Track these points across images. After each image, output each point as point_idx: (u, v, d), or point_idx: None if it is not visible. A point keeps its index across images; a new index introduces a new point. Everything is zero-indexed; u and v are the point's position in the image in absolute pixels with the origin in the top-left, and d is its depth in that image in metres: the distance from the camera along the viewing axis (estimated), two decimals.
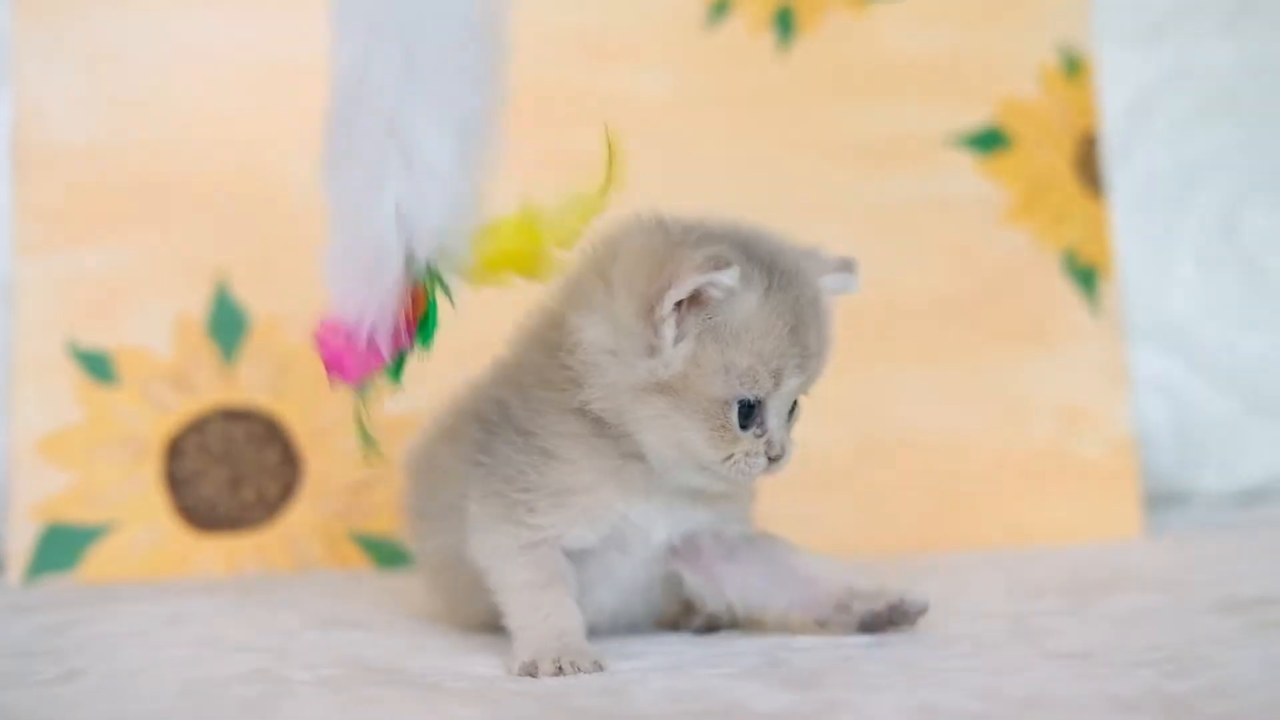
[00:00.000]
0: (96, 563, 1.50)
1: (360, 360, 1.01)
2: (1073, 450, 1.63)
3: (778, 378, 1.02)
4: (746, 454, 1.03)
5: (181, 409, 1.53)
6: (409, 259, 0.99)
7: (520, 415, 1.09)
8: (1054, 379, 1.63)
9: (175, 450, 1.53)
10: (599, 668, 1.00)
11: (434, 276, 1.01)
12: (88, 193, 1.55)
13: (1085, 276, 1.65)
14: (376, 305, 0.99)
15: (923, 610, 1.09)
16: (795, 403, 1.07)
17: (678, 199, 1.59)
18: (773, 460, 1.04)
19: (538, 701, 0.92)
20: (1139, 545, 1.57)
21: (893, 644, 1.07)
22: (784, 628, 1.11)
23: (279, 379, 1.54)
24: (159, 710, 0.93)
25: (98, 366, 1.52)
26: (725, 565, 1.11)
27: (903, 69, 1.66)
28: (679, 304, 1.00)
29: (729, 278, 0.99)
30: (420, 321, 1.02)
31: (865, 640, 1.08)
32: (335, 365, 1.01)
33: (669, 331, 1.00)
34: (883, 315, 1.62)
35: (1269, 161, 1.83)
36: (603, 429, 1.06)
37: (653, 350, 1.01)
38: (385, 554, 1.53)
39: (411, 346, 1.03)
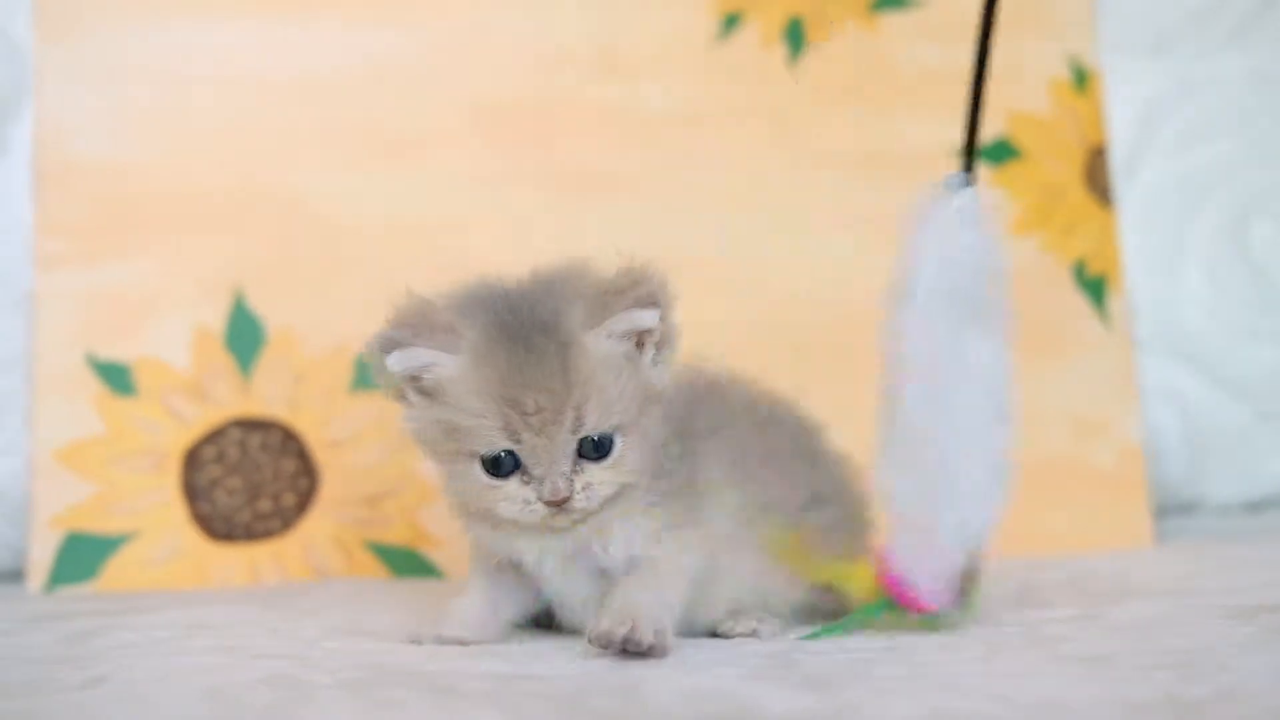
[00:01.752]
0: (116, 572, 1.51)
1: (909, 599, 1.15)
2: (1083, 459, 1.63)
3: (511, 434, 1.05)
4: (517, 500, 1.07)
5: (200, 420, 1.54)
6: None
7: None
8: (1064, 389, 1.64)
9: (194, 461, 1.53)
10: (462, 643, 1.13)
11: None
12: (108, 207, 1.55)
13: (1094, 287, 1.66)
14: (934, 583, 1.15)
15: (644, 653, 1.06)
16: (609, 442, 1.07)
17: (689, 211, 1.61)
18: (555, 504, 1.06)
19: (553, 702, 0.93)
20: (1149, 553, 1.58)
21: (906, 648, 1.08)
22: None
23: (295, 390, 1.55)
24: (181, 715, 0.93)
25: (117, 378, 1.53)
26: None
27: (912, 81, 1.67)
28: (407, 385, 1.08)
29: (395, 362, 1.07)
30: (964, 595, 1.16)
31: (879, 644, 1.09)
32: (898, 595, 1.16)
33: (412, 396, 1.09)
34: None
35: (1276, 172, 1.84)
36: None
37: (407, 416, 1.10)
38: (402, 563, 1.53)
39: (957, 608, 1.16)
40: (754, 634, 1.16)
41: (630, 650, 1.04)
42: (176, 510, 1.53)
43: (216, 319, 1.55)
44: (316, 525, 1.54)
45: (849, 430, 1.54)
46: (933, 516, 1.13)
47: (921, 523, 1.13)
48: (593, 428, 1.06)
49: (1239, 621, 1.13)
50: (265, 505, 1.54)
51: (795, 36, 1.66)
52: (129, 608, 1.36)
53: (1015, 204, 1.66)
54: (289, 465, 1.55)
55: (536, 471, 1.06)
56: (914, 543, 1.14)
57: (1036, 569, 1.46)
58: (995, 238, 1.15)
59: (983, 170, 1.66)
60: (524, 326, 1.06)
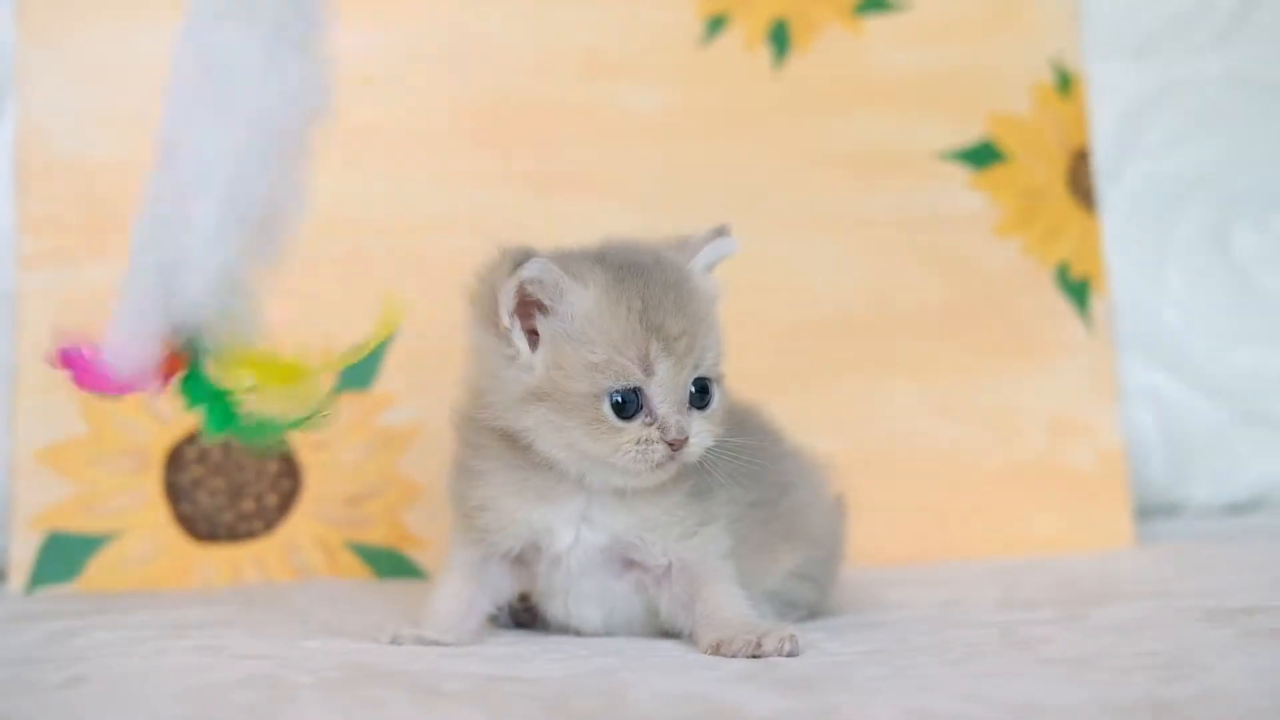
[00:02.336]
0: (98, 572, 1.51)
1: (100, 380, 1.04)
2: (1064, 461, 1.64)
3: (646, 366, 1.06)
4: (638, 442, 1.06)
5: (182, 420, 1.53)
6: (173, 319, 1.01)
7: (461, 439, 1.16)
8: (1046, 391, 1.65)
9: (176, 461, 1.53)
10: (421, 641, 1.12)
11: (194, 347, 1.03)
12: (89, 207, 1.55)
13: (1077, 290, 1.66)
14: (128, 350, 1.02)
15: (790, 653, 1.06)
16: (708, 389, 1.09)
17: (674, 212, 1.61)
18: (675, 445, 1.06)
19: (536, 703, 0.93)
20: (1130, 555, 1.58)
21: (888, 650, 1.08)
22: None
23: None
24: (162, 715, 0.93)
25: None
26: (658, 584, 1.14)
27: (896, 84, 1.67)
28: (523, 314, 1.07)
29: (532, 269, 1.05)
30: (183, 381, 1.03)
31: (861, 647, 1.09)
32: (84, 380, 1.05)
33: (520, 341, 1.07)
34: (876, 328, 1.63)
35: (1258, 176, 1.84)
36: (515, 443, 1.11)
37: (510, 360, 1.07)
38: (384, 564, 1.53)
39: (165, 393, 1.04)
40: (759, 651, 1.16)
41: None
42: (158, 510, 1.52)
43: None
44: (299, 526, 1.54)
45: (830, 430, 1.55)
46: (145, 251, 1.01)
47: (134, 265, 1.02)
48: (706, 369, 1.08)
49: (1219, 624, 1.13)
50: (248, 505, 1.54)
51: (780, 39, 1.66)
52: (110, 608, 1.36)
53: (998, 207, 1.66)
54: (271, 465, 1.55)
55: (661, 410, 1.06)
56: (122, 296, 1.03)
57: (1017, 571, 1.47)
58: None
59: (967, 172, 1.67)
60: (646, 262, 1.09)
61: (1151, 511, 1.79)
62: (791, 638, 1.05)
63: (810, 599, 1.23)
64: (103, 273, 1.54)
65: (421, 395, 1.55)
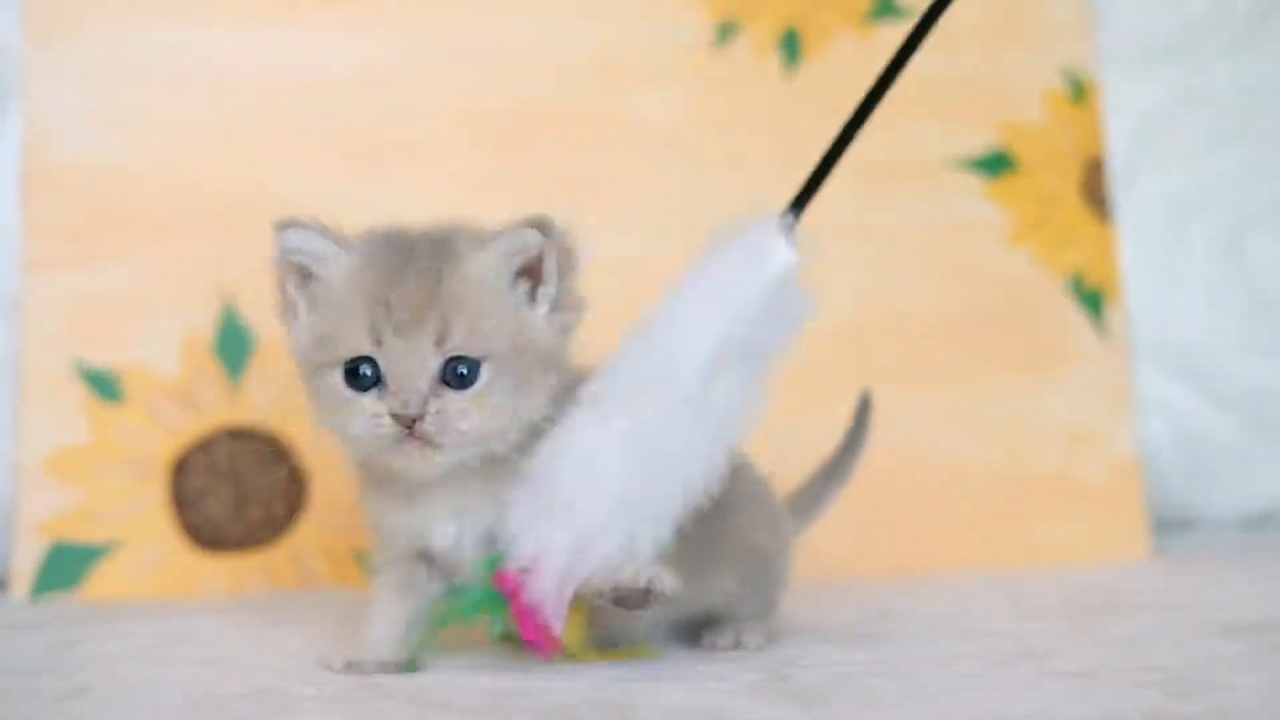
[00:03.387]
0: (102, 581, 1.50)
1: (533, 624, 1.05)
2: (1079, 472, 1.63)
3: (375, 336, 1.03)
4: (369, 416, 1.03)
5: (188, 428, 1.53)
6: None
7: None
8: (1060, 401, 1.64)
9: (181, 469, 1.53)
10: (381, 666, 1.09)
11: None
12: (96, 211, 1.55)
13: (1091, 300, 1.65)
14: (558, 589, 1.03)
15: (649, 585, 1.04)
16: (473, 370, 1.04)
17: (684, 221, 1.60)
18: (406, 421, 1.02)
19: (547, 717, 0.93)
20: (1144, 568, 1.57)
21: (896, 662, 1.07)
22: None
23: (285, 398, 1.54)
24: None
25: (104, 385, 1.52)
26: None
27: (909, 92, 1.64)
28: (294, 285, 1.08)
29: (291, 239, 1.07)
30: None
31: (871, 658, 1.09)
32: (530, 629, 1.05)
33: (287, 313, 1.07)
34: (888, 337, 1.62)
35: (1275, 186, 1.83)
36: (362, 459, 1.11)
37: (289, 330, 1.08)
38: None
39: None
40: (738, 646, 1.15)
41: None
42: (163, 519, 1.52)
43: (206, 325, 1.54)
44: (306, 535, 1.53)
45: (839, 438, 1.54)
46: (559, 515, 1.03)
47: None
48: (457, 346, 1.03)
49: (1231, 638, 1.13)
50: (254, 514, 1.53)
51: (791, 46, 1.65)
52: (114, 617, 1.35)
53: (1012, 215, 1.66)
54: (278, 474, 1.54)
55: (393, 384, 1.03)
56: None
57: (1029, 582, 1.46)
58: (806, 296, 1.10)
59: (980, 181, 1.66)
60: (412, 240, 1.08)
61: (1165, 523, 1.79)
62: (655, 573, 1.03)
63: (753, 611, 1.20)
64: (108, 277, 1.53)
65: None
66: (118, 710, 0.97)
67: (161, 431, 1.53)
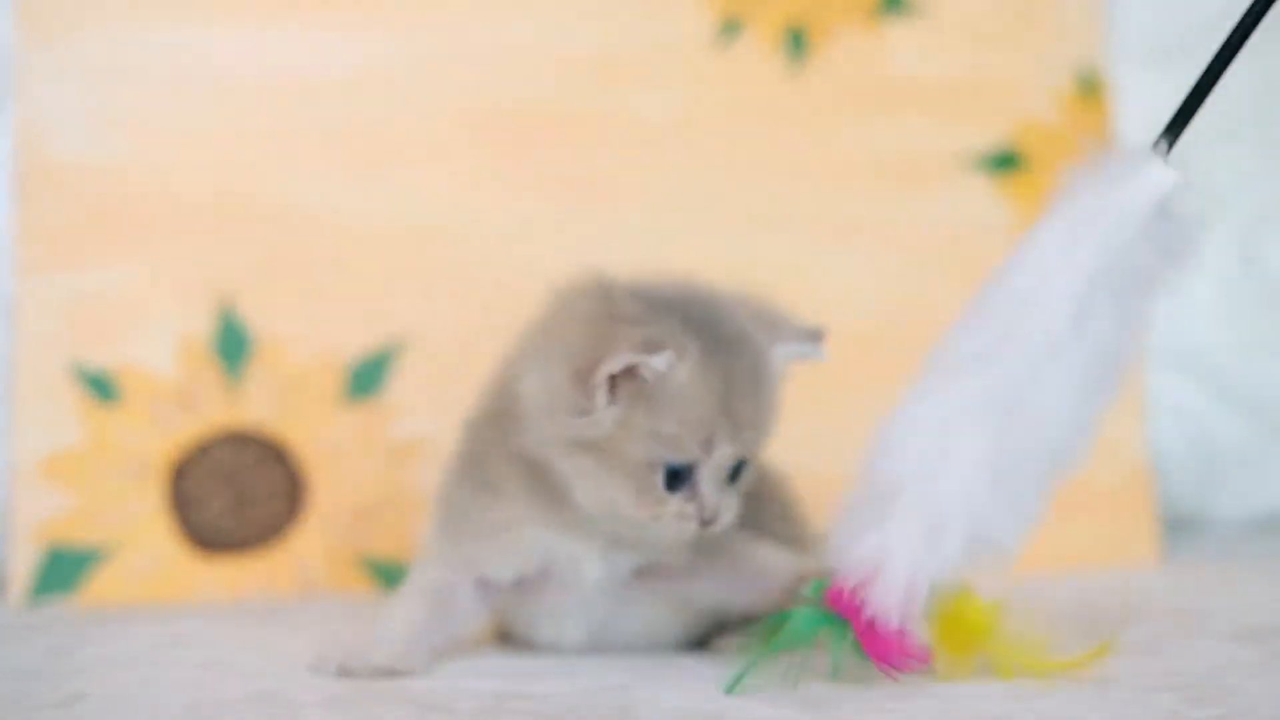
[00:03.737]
0: (98, 586, 1.49)
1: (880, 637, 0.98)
2: (1089, 476, 1.61)
3: (708, 446, 1.03)
4: (676, 515, 1.04)
5: (186, 430, 1.52)
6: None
7: (471, 453, 1.13)
8: None
9: (179, 472, 1.52)
10: (373, 670, 1.07)
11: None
12: (91, 211, 1.53)
13: None
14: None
15: None
16: (744, 464, 1.07)
17: (688, 221, 1.60)
18: (705, 524, 1.05)
19: None
20: (1156, 572, 1.56)
21: None
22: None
23: (285, 399, 1.53)
24: None
25: (101, 386, 1.51)
26: (689, 582, 1.13)
27: (917, 90, 1.65)
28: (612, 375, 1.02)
29: (661, 362, 1.01)
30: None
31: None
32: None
33: (601, 398, 1.02)
34: (896, 337, 1.60)
35: None
36: (542, 471, 1.08)
37: (583, 412, 1.03)
38: (393, 577, 1.51)
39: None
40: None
41: None
42: (161, 522, 1.51)
43: (204, 326, 1.53)
44: (306, 538, 1.52)
45: (852, 442, 1.53)
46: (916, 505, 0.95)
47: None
48: (758, 450, 1.07)
49: (1247, 642, 1.13)
50: (254, 517, 1.52)
51: (796, 44, 1.64)
52: (111, 622, 1.35)
53: (1021, 214, 1.64)
54: (278, 476, 1.53)
55: (705, 489, 1.04)
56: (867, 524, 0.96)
57: (1040, 587, 1.45)
58: (1190, 220, 1.00)
59: (987, 180, 1.65)
60: (731, 337, 1.06)
61: (1177, 527, 1.78)
62: None
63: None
64: (104, 278, 1.52)
65: (431, 406, 1.53)
66: (116, 716, 0.97)
67: (160, 433, 1.52)
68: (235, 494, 1.52)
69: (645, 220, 1.60)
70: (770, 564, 1.13)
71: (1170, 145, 1.02)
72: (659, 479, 1.03)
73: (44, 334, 1.51)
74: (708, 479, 1.04)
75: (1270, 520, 1.83)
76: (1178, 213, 0.99)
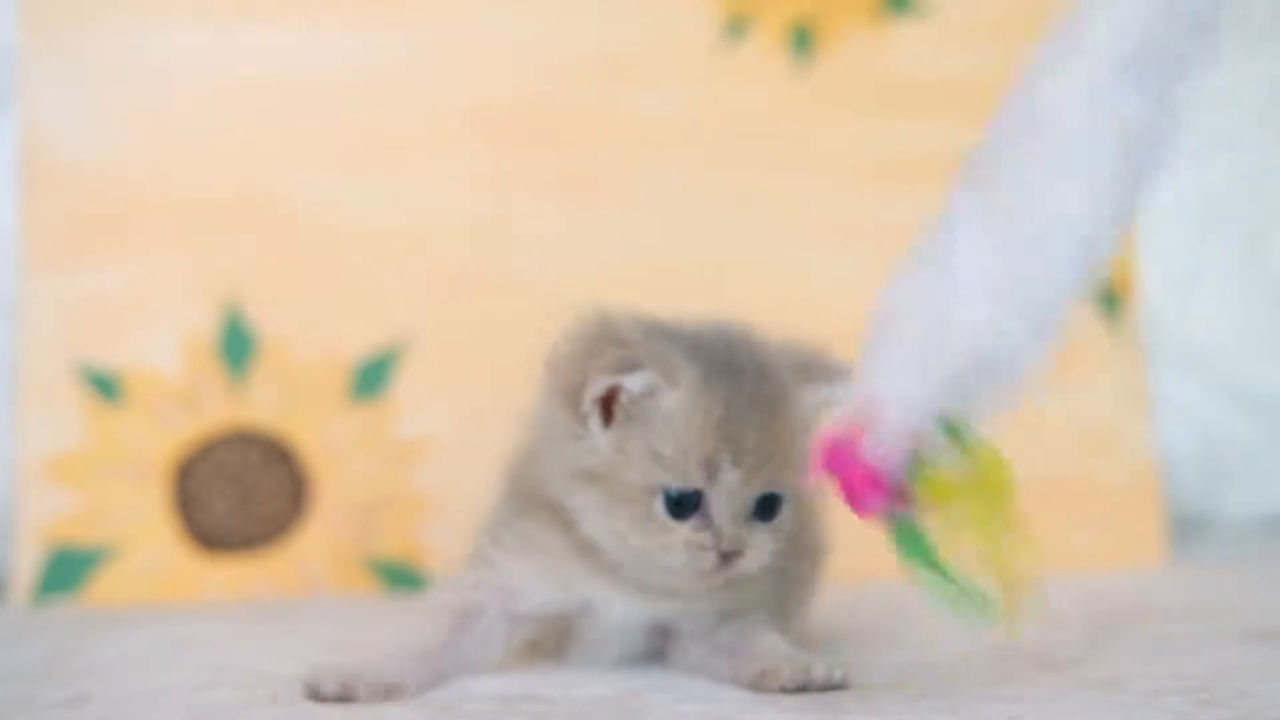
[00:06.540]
0: (103, 586, 1.49)
1: (872, 486, 0.89)
2: (1095, 475, 1.61)
3: (710, 471, 1.01)
4: (686, 545, 1.01)
5: (190, 430, 1.52)
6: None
7: (510, 493, 1.11)
8: (1076, 403, 1.62)
9: (184, 472, 1.51)
10: (389, 696, 1.02)
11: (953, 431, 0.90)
12: (96, 211, 1.53)
13: (1108, 300, 1.63)
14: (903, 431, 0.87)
15: (836, 687, 1.01)
16: (777, 504, 1.05)
17: (692, 219, 1.59)
18: (726, 557, 1.02)
19: None
20: (1163, 572, 1.56)
21: (914, 669, 1.07)
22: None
23: (289, 399, 1.53)
24: None
25: (105, 386, 1.51)
26: (697, 645, 1.10)
27: (922, 89, 1.65)
28: (606, 398, 1.02)
29: (636, 382, 1.01)
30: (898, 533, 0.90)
31: (886, 664, 1.09)
32: (850, 493, 0.90)
33: (594, 422, 1.02)
34: None
35: None
36: (560, 513, 1.06)
37: (578, 437, 1.03)
38: (398, 578, 1.51)
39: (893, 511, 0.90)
40: None
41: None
42: (165, 523, 1.51)
43: (208, 326, 1.53)
44: (310, 538, 1.52)
45: None
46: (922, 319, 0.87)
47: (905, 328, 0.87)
48: (780, 483, 1.04)
49: (1256, 643, 1.13)
50: (258, 517, 1.52)
51: (801, 43, 1.64)
52: (115, 623, 1.34)
53: None
54: (282, 476, 1.53)
55: (718, 519, 1.02)
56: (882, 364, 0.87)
57: (1047, 587, 1.45)
58: None
59: None
60: (745, 367, 1.04)
61: (1184, 527, 1.78)
62: (842, 665, 1.01)
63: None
64: (108, 278, 1.52)
65: (435, 406, 1.53)
66: (121, 718, 0.96)
67: (164, 433, 1.52)
68: (239, 494, 1.52)
69: (649, 220, 1.60)
70: (762, 648, 1.06)
71: None
72: (659, 505, 1.02)
73: (48, 334, 1.51)
74: (721, 509, 1.02)
75: (1278, 520, 1.83)
76: None
